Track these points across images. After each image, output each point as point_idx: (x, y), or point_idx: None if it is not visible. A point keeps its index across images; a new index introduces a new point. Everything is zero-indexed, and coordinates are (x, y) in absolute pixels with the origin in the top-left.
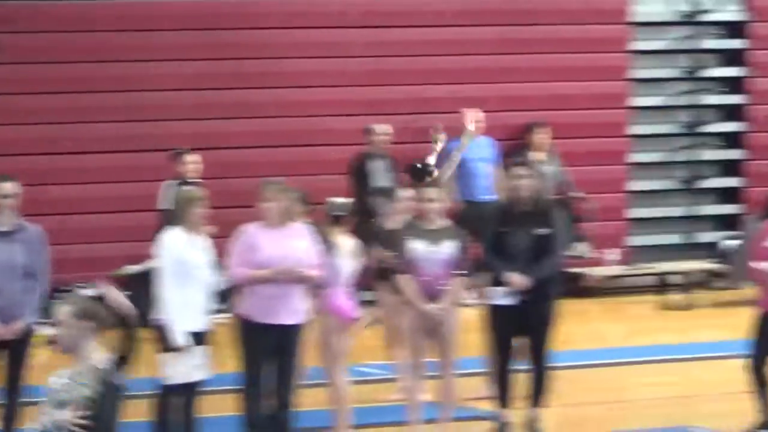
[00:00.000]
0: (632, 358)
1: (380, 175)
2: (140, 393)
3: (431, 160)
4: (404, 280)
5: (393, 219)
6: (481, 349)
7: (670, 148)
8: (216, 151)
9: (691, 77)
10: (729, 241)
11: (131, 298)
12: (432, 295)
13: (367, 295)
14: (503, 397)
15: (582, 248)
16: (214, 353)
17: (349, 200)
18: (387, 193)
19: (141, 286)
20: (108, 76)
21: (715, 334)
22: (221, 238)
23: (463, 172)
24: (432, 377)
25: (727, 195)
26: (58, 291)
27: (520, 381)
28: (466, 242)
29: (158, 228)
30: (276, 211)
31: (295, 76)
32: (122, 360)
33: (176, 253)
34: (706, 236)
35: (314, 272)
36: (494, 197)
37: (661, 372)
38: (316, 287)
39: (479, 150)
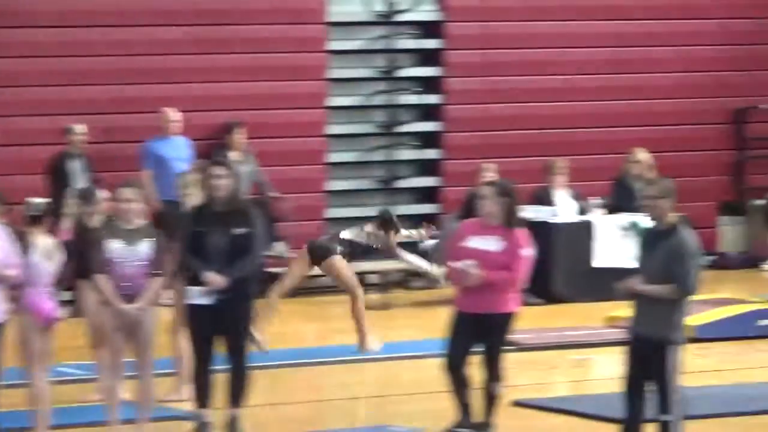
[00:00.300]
0: (330, 357)
1: (78, 175)
2: None
3: None
4: (102, 280)
5: (91, 218)
6: (178, 349)
7: (367, 148)
8: None
9: (387, 77)
10: (426, 241)
11: None
12: (130, 295)
13: (67, 295)
14: (202, 396)
15: (280, 248)
16: None
17: (47, 200)
18: (85, 193)
19: None
20: None
21: (412, 334)
22: None
23: (161, 172)
24: (130, 377)
25: (424, 194)
26: None
27: (219, 380)
28: (163, 242)
29: None
30: None
31: None
32: None
33: None
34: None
35: (12, 272)
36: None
37: (360, 371)
38: (15, 287)
39: (177, 150)
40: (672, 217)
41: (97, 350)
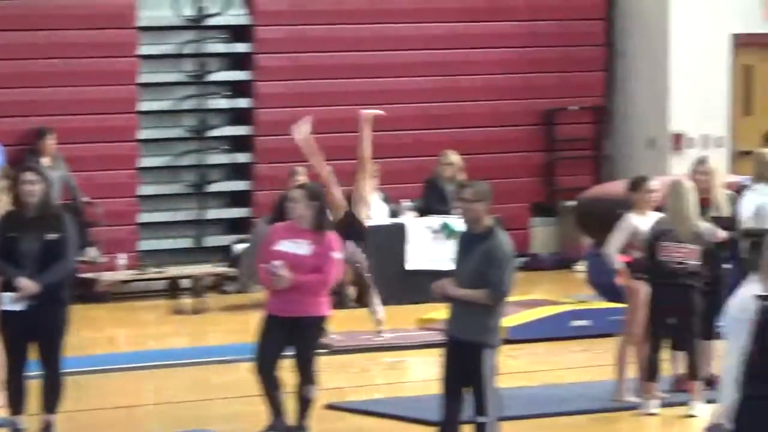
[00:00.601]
0: (143, 362)
1: None
2: None
3: None
4: None
5: None
6: None
7: (177, 152)
8: None
9: (197, 81)
10: (238, 245)
11: None
12: None
13: None
14: (15, 403)
15: (93, 253)
16: None
17: None
18: None
19: None
20: None
21: (225, 338)
22: None
23: None
24: None
25: (236, 198)
26: None
27: (33, 387)
28: None
29: None
30: None
31: None
32: None
33: None
34: (216, 240)
35: None
36: None
37: (173, 376)
38: None
39: None
40: (487, 220)
41: None
